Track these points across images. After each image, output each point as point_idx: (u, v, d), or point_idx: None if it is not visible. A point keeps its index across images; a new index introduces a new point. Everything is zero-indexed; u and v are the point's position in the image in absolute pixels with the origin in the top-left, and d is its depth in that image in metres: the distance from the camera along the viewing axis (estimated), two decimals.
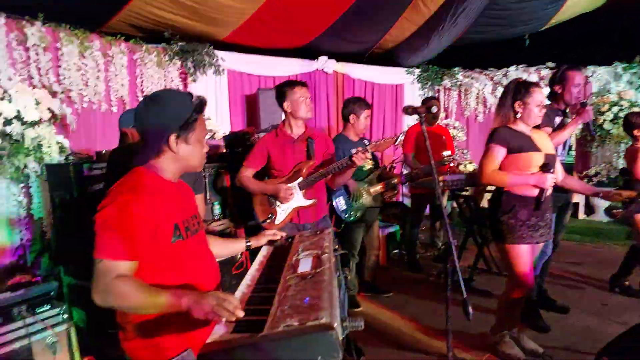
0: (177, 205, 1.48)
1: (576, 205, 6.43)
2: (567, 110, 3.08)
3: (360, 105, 3.40)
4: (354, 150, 2.55)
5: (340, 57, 6.31)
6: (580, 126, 3.17)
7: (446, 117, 7.25)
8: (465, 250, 4.22)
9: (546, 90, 2.74)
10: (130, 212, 1.30)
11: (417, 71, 7.13)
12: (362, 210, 3.42)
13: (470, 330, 3.02)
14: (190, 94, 1.48)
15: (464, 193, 4.26)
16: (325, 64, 6.14)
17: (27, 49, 3.53)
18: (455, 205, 5.02)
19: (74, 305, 2.93)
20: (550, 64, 6.70)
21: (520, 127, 2.47)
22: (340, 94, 6.54)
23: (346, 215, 3.38)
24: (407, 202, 5.75)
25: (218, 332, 1.15)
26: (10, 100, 3.17)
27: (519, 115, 2.45)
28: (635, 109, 5.84)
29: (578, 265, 4.43)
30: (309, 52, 6.00)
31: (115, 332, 1.42)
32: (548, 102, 3.00)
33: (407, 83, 7.20)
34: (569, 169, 3.16)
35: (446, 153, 3.97)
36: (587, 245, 5.18)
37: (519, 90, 2.43)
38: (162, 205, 1.39)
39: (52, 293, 2.41)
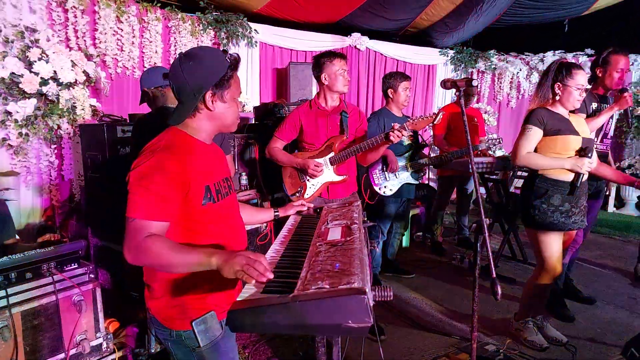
0: (210, 168, 1.48)
1: (606, 197, 6.25)
2: (607, 95, 2.96)
3: (397, 78, 3.34)
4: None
5: (373, 34, 6.18)
6: (616, 115, 3.05)
7: (477, 101, 7.06)
8: (491, 236, 4.15)
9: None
10: (164, 172, 1.30)
11: (451, 52, 6.94)
12: (398, 186, 3.38)
13: (493, 316, 3.00)
14: (225, 51, 1.46)
15: (492, 177, 4.17)
16: (358, 40, 6.03)
17: (65, 11, 3.58)
18: (483, 189, 4.91)
19: (100, 266, 3.02)
20: (589, 51, 6.41)
21: (559, 109, 2.39)
22: (371, 71, 6.44)
23: (380, 189, 3.35)
24: (433, 185, 5.68)
25: (248, 291, 1.15)
26: (47, 61, 3.23)
27: (557, 97, 2.37)
28: None
29: (606, 257, 4.32)
30: (341, 28, 5.90)
31: (137, 296, 1.45)
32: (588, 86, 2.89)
33: (440, 64, 7.03)
34: (604, 156, 3.04)
35: (483, 138, 3.89)
36: (616, 239, 5.03)
37: (560, 71, 2.35)
38: (194, 167, 1.39)
39: (80, 252, 2.47)
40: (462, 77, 6.80)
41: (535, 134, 2.36)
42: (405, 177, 3.41)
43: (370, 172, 3.38)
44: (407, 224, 3.85)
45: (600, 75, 2.90)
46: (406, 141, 3.44)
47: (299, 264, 1.31)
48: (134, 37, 4.03)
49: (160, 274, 1.42)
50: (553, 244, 2.41)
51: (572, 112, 2.49)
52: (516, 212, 3.78)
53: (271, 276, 1.14)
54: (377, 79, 6.45)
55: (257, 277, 1.12)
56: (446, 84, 1.91)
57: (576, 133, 2.37)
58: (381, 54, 6.44)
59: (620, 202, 6.18)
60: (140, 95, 2.38)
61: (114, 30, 3.88)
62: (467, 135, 1.83)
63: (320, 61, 2.63)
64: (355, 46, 6.09)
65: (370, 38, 6.16)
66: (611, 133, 3.08)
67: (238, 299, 1.10)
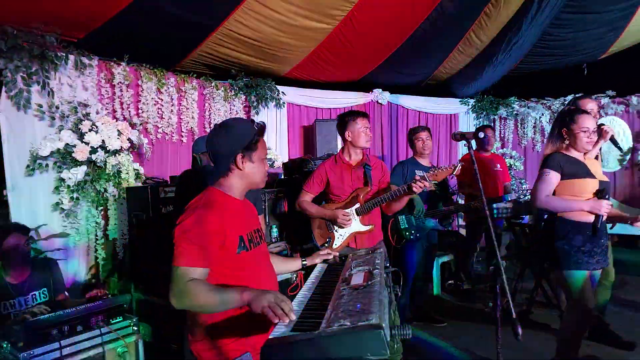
0: (242, 220, 1.68)
1: (636, 238, 6.04)
2: None
3: (417, 129, 3.62)
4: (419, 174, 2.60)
5: (394, 88, 6.48)
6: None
7: (502, 147, 7.14)
8: (523, 282, 4.10)
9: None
10: (205, 225, 1.51)
11: (472, 101, 7.13)
12: (425, 232, 3.47)
13: None
14: (253, 120, 1.71)
15: (520, 222, 4.18)
16: (380, 96, 6.34)
17: (112, 86, 4.01)
18: (512, 235, 4.89)
19: (142, 320, 3.17)
20: (610, 92, 6.47)
21: (573, 153, 2.49)
22: (394, 124, 6.68)
23: (408, 233, 3.44)
24: (463, 232, 5.68)
25: (279, 330, 1.29)
26: (96, 132, 3.61)
27: (567, 142, 2.48)
28: None
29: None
30: (363, 85, 6.23)
31: (176, 347, 1.59)
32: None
33: (462, 113, 7.21)
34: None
35: (508, 184, 3.99)
36: None
37: (564, 118, 2.50)
38: (230, 219, 1.59)
39: (125, 305, 2.64)
40: (484, 124, 6.93)
41: (552, 177, 2.45)
42: (431, 223, 3.51)
43: (397, 216, 3.48)
44: (432, 270, 3.88)
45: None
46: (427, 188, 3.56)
47: (325, 305, 1.44)
48: (172, 105, 4.43)
49: (202, 319, 1.58)
50: (581, 283, 2.42)
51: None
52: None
53: (293, 317, 1.29)
54: (400, 131, 6.67)
55: (281, 316, 1.27)
56: (456, 136, 2.08)
57: (592, 176, 2.45)
58: (403, 107, 6.71)
59: None
60: (192, 160, 2.66)
61: (155, 100, 4.28)
62: (478, 183, 1.95)
63: (344, 120, 2.85)
64: (377, 101, 6.39)
65: (392, 92, 6.45)
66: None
67: (270, 337, 1.24)
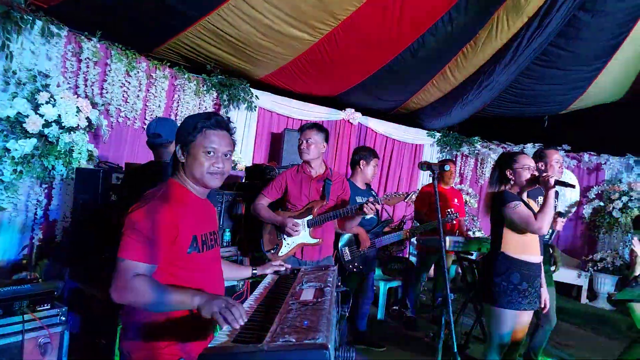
0: (199, 219, 1.60)
1: (579, 289, 6.37)
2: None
3: (370, 153, 3.57)
4: (359, 199, 2.66)
5: (366, 111, 6.57)
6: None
7: (461, 182, 7.37)
8: (465, 316, 4.19)
9: None
10: (156, 219, 1.42)
11: (438, 135, 7.35)
12: (366, 262, 3.48)
13: None
14: (212, 113, 1.61)
15: (468, 257, 4.29)
16: (351, 115, 6.39)
17: (79, 61, 3.81)
18: (459, 269, 5.01)
19: (73, 310, 2.98)
20: (566, 147, 6.86)
21: (517, 191, 2.61)
22: (361, 145, 6.74)
23: (350, 266, 3.42)
24: (414, 259, 5.76)
25: (219, 339, 1.22)
26: (54, 105, 3.40)
27: (512, 182, 2.59)
28: None
29: (573, 348, 4.35)
30: (337, 102, 6.28)
31: (105, 343, 1.49)
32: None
33: (427, 144, 7.41)
34: (545, 248, 3.24)
35: (450, 210, 4.08)
36: (587, 331, 5.07)
37: (506, 160, 2.62)
38: (184, 216, 1.51)
39: (56, 293, 2.46)
40: (447, 158, 7.15)
41: (523, 205, 2.51)
42: (372, 253, 3.52)
43: (341, 249, 3.45)
44: (372, 294, 3.88)
45: (542, 168, 3.18)
46: (369, 215, 3.58)
47: (271, 319, 1.38)
48: (140, 90, 4.27)
49: (138, 316, 1.49)
50: (507, 322, 2.51)
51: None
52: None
53: (242, 323, 1.23)
54: None
55: (232, 322, 1.23)
56: (422, 165, 2.11)
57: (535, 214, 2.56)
58: (372, 130, 6.80)
59: (592, 295, 6.29)
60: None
61: (122, 83, 4.11)
62: (438, 214, 1.98)
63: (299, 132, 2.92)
64: (348, 120, 6.44)
65: (363, 114, 6.54)
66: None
67: (209, 346, 1.17)
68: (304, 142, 2.83)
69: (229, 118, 1.65)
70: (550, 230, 3.23)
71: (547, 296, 2.72)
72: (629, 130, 6.40)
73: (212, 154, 1.54)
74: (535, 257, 2.57)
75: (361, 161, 3.55)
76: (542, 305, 2.69)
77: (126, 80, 4.15)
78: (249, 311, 1.52)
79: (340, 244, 3.44)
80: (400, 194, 2.62)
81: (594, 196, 6.58)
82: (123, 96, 4.16)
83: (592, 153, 6.88)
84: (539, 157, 3.25)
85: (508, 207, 2.51)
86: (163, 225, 1.43)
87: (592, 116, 6.81)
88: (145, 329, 1.48)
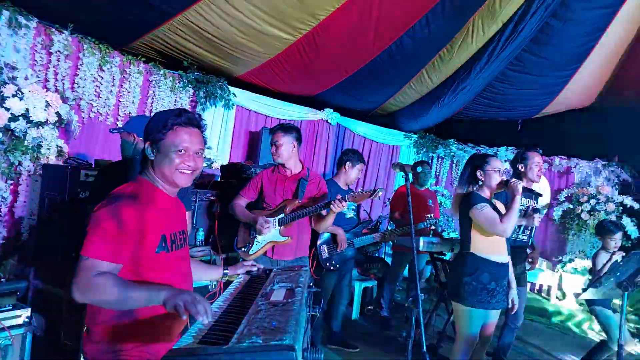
0: (168, 218, 1.57)
1: (549, 288, 6.54)
2: (532, 189, 3.28)
3: (358, 157, 3.60)
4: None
5: (344, 111, 6.59)
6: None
7: (436, 184, 7.48)
8: (437, 316, 4.25)
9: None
10: (122, 217, 1.39)
11: (415, 137, 7.43)
12: (343, 261, 3.50)
13: None
14: (183, 110, 1.57)
15: (442, 257, 4.35)
16: (330, 115, 6.40)
17: (49, 54, 3.69)
18: (433, 269, 5.07)
19: (37, 311, 2.88)
20: (539, 150, 7.02)
21: (485, 193, 2.66)
22: (339, 145, 6.77)
23: (328, 264, 3.44)
24: (389, 260, 5.81)
25: (185, 341, 1.20)
26: (21, 99, 3.29)
27: (481, 183, 2.64)
28: (611, 205, 6.12)
29: (544, 347, 4.46)
30: (315, 102, 6.27)
31: (71, 345, 1.43)
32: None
33: (404, 146, 7.48)
34: (524, 247, 3.37)
35: (430, 216, 4.13)
36: (556, 329, 5.21)
37: (477, 161, 2.68)
38: (153, 216, 1.48)
39: (18, 293, 2.38)
40: (423, 159, 7.23)
41: (489, 207, 2.57)
42: (350, 253, 3.54)
43: (319, 246, 3.47)
44: (349, 294, 3.90)
45: (522, 170, 3.25)
46: (348, 214, 3.61)
47: (239, 319, 1.37)
48: (113, 86, 4.16)
49: (102, 317, 1.45)
50: (474, 322, 2.57)
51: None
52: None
53: (210, 319, 1.21)
54: None
55: (195, 314, 1.19)
56: (395, 166, 2.13)
57: (501, 214, 2.62)
58: (350, 131, 6.83)
59: (562, 294, 6.47)
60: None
61: (94, 77, 4.00)
62: (410, 215, 2.00)
63: None
64: (327, 120, 6.45)
65: (342, 115, 6.55)
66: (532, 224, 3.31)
67: (174, 347, 1.14)
68: (273, 145, 2.84)
69: (200, 115, 1.61)
70: (530, 227, 3.31)
71: (515, 296, 2.78)
72: (598, 135, 6.62)
73: (182, 152, 1.50)
74: (503, 257, 2.64)
75: (347, 162, 3.59)
76: (510, 305, 2.75)
77: (99, 75, 4.05)
78: (218, 312, 1.51)
79: (318, 242, 3.45)
80: (367, 191, 2.62)
81: (564, 199, 6.76)
82: (95, 91, 4.05)
83: (562, 157, 7.07)
84: (520, 158, 3.30)
85: (475, 208, 2.56)
86: (130, 224, 1.40)
87: (564, 121, 7.00)
88: (109, 331, 1.44)
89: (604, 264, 3.39)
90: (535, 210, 3.12)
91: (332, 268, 3.47)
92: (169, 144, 1.49)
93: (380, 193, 2.55)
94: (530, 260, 3.56)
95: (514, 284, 2.77)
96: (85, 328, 1.50)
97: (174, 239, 1.56)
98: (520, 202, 2.57)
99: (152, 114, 1.62)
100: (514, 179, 2.65)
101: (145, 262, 1.46)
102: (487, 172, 2.62)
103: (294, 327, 1.24)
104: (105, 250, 1.35)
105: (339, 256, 3.49)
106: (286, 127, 2.83)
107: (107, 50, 4.06)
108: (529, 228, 3.32)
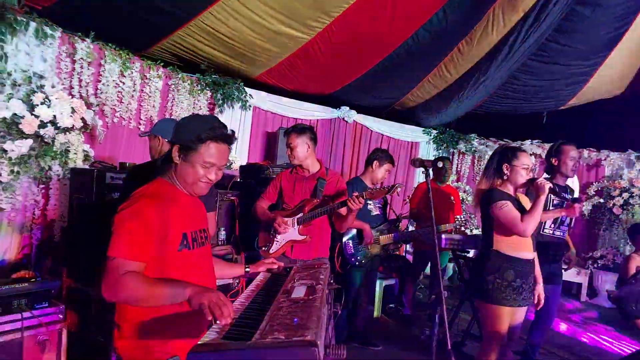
0: (188, 217, 1.60)
1: (579, 286, 6.37)
2: (567, 185, 3.19)
3: (387, 157, 3.59)
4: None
5: (361, 109, 6.57)
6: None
7: (458, 180, 7.37)
8: (462, 314, 4.20)
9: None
10: (145, 217, 1.43)
11: (434, 132, 7.34)
12: (368, 258, 3.50)
13: None
14: (222, 125, 1.58)
15: (464, 254, 4.29)
16: (347, 113, 6.39)
17: (73, 62, 3.80)
18: (456, 267, 5.02)
19: (71, 309, 2.99)
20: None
21: (508, 188, 2.58)
22: (357, 143, 6.75)
23: (353, 259, 3.46)
24: (410, 257, 5.77)
25: (210, 336, 1.22)
26: (49, 106, 3.40)
27: (506, 177, 2.57)
28: None
29: (573, 347, 4.35)
30: (332, 101, 6.27)
31: (103, 341, 1.49)
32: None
33: (423, 142, 7.40)
34: (558, 244, 3.24)
35: (459, 217, 4.08)
36: (587, 328, 5.07)
37: (506, 154, 2.58)
38: (174, 214, 1.51)
39: (53, 292, 2.47)
40: (443, 155, 7.14)
41: (511, 205, 2.49)
42: (376, 250, 3.54)
43: (344, 241, 3.49)
44: (373, 294, 3.90)
45: (555, 164, 3.15)
46: (374, 212, 3.60)
47: (261, 316, 1.39)
48: (134, 90, 4.26)
49: (130, 315, 1.49)
50: (502, 319, 2.51)
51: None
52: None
53: (229, 321, 1.23)
54: (362, 151, 6.76)
55: (219, 317, 1.23)
56: (415, 162, 2.11)
57: (525, 212, 2.55)
58: (367, 128, 6.80)
59: (592, 292, 6.30)
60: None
61: (116, 83, 4.10)
62: (432, 212, 1.98)
63: None
64: (343, 118, 6.44)
65: (358, 112, 6.53)
66: (567, 220, 3.25)
67: (199, 342, 1.17)
68: (288, 148, 2.86)
69: (233, 132, 1.62)
70: (567, 223, 3.22)
71: (541, 292, 2.71)
72: (630, 126, 6.38)
73: (209, 166, 1.54)
74: (528, 253, 2.56)
75: (375, 162, 3.59)
76: (536, 302, 2.68)
77: (120, 81, 4.15)
78: (240, 308, 1.53)
79: (344, 238, 3.49)
80: (384, 188, 2.59)
81: (594, 193, 6.55)
82: (117, 96, 4.15)
83: (591, 149, 6.86)
84: (554, 152, 3.19)
85: (495, 206, 2.49)
86: (152, 222, 1.43)
87: (592, 112, 6.77)
88: (138, 327, 1.49)
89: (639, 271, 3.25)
90: (575, 200, 2.98)
91: (357, 263, 3.48)
92: (197, 156, 1.52)
93: (398, 189, 2.53)
94: (567, 260, 3.47)
95: (540, 279, 2.70)
96: (115, 325, 1.54)
97: (195, 237, 1.59)
98: (543, 202, 2.49)
99: (183, 118, 1.64)
100: (541, 178, 2.57)
101: (169, 260, 1.50)
102: (514, 168, 2.53)
103: (316, 323, 1.25)
104: (130, 250, 1.39)
105: (363, 253, 3.50)
106: (299, 128, 2.84)
107: (128, 56, 4.15)
108: (566, 224, 3.22)
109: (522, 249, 2.54)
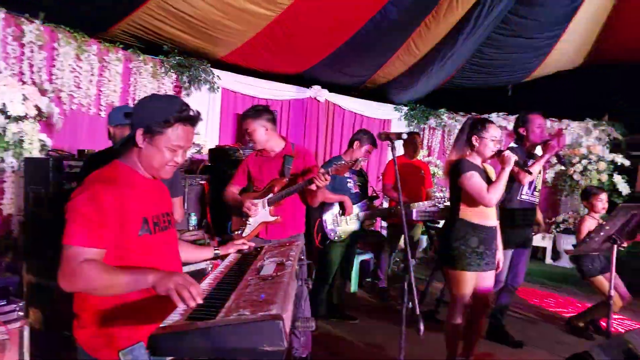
0: (149, 201, 1.54)
1: (543, 250, 6.62)
2: (534, 152, 3.28)
3: (368, 138, 3.58)
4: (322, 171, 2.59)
5: (333, 87, 6.51)
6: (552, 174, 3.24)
7: (429, 155, 7.45)
8: (435, 283, 4.30)
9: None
10: (101, 201, 1.36)
11: (405, 109, 7.37)
12: (348, 233, 3.52)
13: (434, 357, 3.08)
14: (186, 105, 1.52)
15: (436, 226, 4.36)
16: (318, 92, 6.32)
17: (22, 45, 3.59)
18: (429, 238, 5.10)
19: (32, 305, 2.88)
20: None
21: (476, 159, 2.63)
22: (330, 122, 6.71)
23: (332, 234, 3.47)
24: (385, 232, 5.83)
25: (173, 318, 1.18)
26: None
27: (475, 148, 2.62)
28: (602, 164, 6.13)
29: (539, 306, 4.55)
30: (303, 80, 6.19)
31: (70, 335, 1.42)
32: (515, 145, 3.22)
33: (395, 119, 7.42)
34: (533, 209, 3.34)
35: (430, 190, 4.13)
36: (551, 289, 5.29)
37: (475, 126, 2.61)
38: (132, 198, 1.45)
39: (11, 288, 2.37)
40: (414, 131, 7.18)
41: (478, 176, 2.55)
42: (355, 226, 3.56)
43: (323, 217, 3.50)
44: (351, 269, 3.94)
45: (523, 133, 3.22)
46: (353, 189, 3.60)
47: (228, 295, 1.36)
48: (92, 75, 4.07)
49: (90, 303, 1.44)
50: (467, 283, 2.61)
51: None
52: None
53: (200, 301, 1.21)
54: (336, 129, 6.74)
55: (187, 299, 1.20)
56: (380, 136, 2.10)
57: (491, 182, 2.63)
58: (340, 107, 6.76)
59: (556, 255, 6.55)
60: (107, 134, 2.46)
61: (72, 68, 3.91)
62: (397, 185, 1.98)
63: None
64: (315, 98, 6.37)
65: (330, 91, 6.47)
66: (539, 187, 3.36)
67: (161, 325, 1.13)
68: (246, 133, 2.78)
69: (199, 112, 1.57)
70: (540, 186, 3.35)
71: (501, 257, 2.78)
72: (588, 96, 6.58)
73: (175, 149, 1.50)
74: (492, 221, 2.65)
75: (355, 142, 3.60)
76: (496, 267, 2.76)
77: (77, 65, 3.95)
78: (207, 289, 1.49)
79: (324, 214, 3.51)
80: (349, 162, 2.56)
81: (556, 161, 6.75)
82: (74, 81, 3.96)
83: (553, 119, 7.04)
84: (521, 121, 3.26)
85: (465, 177, 2.54)
86: (108, 207, 1.37)
87: (553, 83, 6.94)
88: (99, 315, 1.43)
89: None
90: (546, 141, 3.17)
91: (336, 239, 3.49)
92: (164, 140, 1.47)
93: (362, 162, 2.50)
94: (536, 225, 3.57)
95: (500, 246, 2.78)
96: (74, 316, 1.49)
97: (156, 222, 1.53)
98: (508, 174, 2.55)
99: (143, 99, 1.56)
100: (507, 151, 2.63)
101: (129, 246, 1.44)
102: (483, 140, 2.58)
103: (282, 298, 1.23)
104: (87, 237, 1.33)
105: (342, 228, 3.51)
106: (253, 112, 2.75)
107: (84, 39, 3.95)
108: (537, 190, 3.31)
109: (487, 217, 2.62)
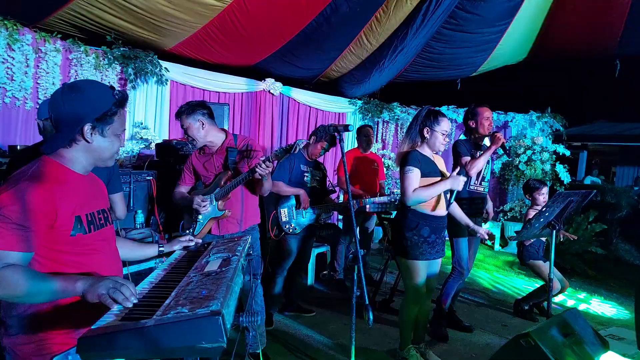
0: (82, 198, 1.45)
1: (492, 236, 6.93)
2: (483, 143, 3.41)
3: (324, 136, 3.55)
4: (303, 168, 2.55)
5: (287, 81, 6.46)
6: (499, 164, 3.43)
7: (383, 148, 7.57)
8: (390, 273, 4.38)
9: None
10: (26, 201, 1.26)
11: (359, 102, 7.44)
12: (303, 226, 3.50)
13: (385, 347, 3.13)
14: (112, 87, 1.47)
15: (389, 217, 4.44)
16: (272, 85, 6.25)
17: None
18: (382, 229, 5.19)
19: None
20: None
21: (427, 151, 2.70)
22: (284, 116, 6.66)
23: (287, 227, 3.44)
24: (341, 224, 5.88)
25: (106, 320, 1.13)
26: None
27: (426, 140, 2.68)
28: (545, 154, 6.48)
29: (487, 291, 4.74)
30: (256, 73, 6.09)
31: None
32: (464, 138, 3.34)
33: (349, 113, 7.48)
34: (482, 198, 3.46)
35: (382, 181, 4.19)
36: (498, 274, 5.54)
37: (428, 118, 2.66)
38: (64, 196, 1.36)
39: None
40: (367, 124, 7.28)
41: (416, 174, 2.60)
42: (311, 219, 3.55)
43: (279, 209, 3.47)
44: (307, 262, 3.95)
45: (473, 126, 3.34)
46: (310, 183, 3.60)
47: (169, 293, 1.31)
48: (27, 66, 3.83)
49: (17, 309, 1.35)
50: (420, 272, 2.67)
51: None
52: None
53: (135, 301, 1.16)
54: (290, 123, 6.69)
55: (122, 301, 1.16)
56: (329, 128, 2.10)
57: (440, 174, 2.70)
58: (294, 100, 6.72)
59: (504, 242, 6.87)
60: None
61: (4, 58, 3.66)
62: (346, 177, 1.99)
63: None
64: (269, 91, 6.29)
65: (284, 84, 6.42)
66: (488, 177, 3.50)
67: (93, 327, 1.08)
68: (183, 131, 2.71)
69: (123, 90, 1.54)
70: (489, 176, 3.52)
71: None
72: (532, 89, 6.92)
73: (121, 134, 1.49)
74: (442, 211, 2.72)
75: (312, 137, 3.59)
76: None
77: (9, 55, 3.70)
78: (147, 288, 1.44)
79: (279, 206, 3.48)
80: (287, 147, 2.52)
81: (502, 152, 7.05)
82: (7, 73, 3.71)
83: (500, 112, 7.34)
84: (470, 114, 3.37)
85: (403, 170, 2.62)
86: (36, 207, 1.28)
87: (499, 77, 7.25)
88: (30, 321, 1.35)
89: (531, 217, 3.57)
90: (493, 133, 3.33)
91: (290, 231, 3.47)
92: (114, 128, 1.45)
93: (301, 145, 2.47)
94: (485, 214, 3.70)
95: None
96: (0, 322, 1.39)
97: (91, 220, 1.45)
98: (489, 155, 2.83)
99: (64, 93, 1.44)
100: (499, 132, 2.84)
101: (62, 247, 1.36)
102: (434, 133, 2.64)
103: (224, 293, 1.21)
104: (11, 240, 1.23)
105: (297, 220, 3.49)
106: (187, 109, 2.66)
107: (15, 27, 3.70)
108: (486, 180, 3.44)
109: (437, 208, 2.69)
